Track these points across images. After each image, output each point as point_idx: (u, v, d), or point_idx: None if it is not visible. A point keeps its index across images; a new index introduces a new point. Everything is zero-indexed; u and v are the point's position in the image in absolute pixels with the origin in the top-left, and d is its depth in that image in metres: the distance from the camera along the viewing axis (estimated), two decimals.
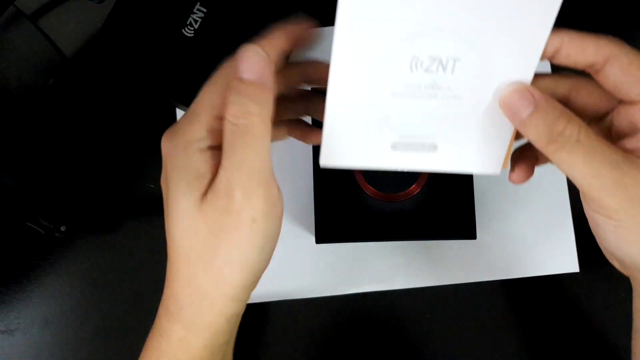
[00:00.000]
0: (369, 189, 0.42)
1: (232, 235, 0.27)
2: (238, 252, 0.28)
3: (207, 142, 0.28)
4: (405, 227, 0.43)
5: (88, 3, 0.50)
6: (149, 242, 0.48)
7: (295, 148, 0.48)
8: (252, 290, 0.31)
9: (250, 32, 0.44)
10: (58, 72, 0.42)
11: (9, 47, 0.41)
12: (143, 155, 0.50)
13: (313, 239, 0.43)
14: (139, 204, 0.49)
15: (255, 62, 0.27)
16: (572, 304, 0.47)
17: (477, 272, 0.47)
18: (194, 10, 0.45)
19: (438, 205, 0.42)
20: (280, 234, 0.29)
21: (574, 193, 0.48)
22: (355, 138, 0.29)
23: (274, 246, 0.30)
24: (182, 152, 0.28)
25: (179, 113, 0.49)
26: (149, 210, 0.49)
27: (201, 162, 0.28)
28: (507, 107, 0.27)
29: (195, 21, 0.44)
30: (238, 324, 0.34)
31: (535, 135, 0.27)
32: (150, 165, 0.50)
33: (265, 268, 0.30)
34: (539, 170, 0.48)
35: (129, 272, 0.48)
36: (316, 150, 0.43)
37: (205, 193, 0.28)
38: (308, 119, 0.35)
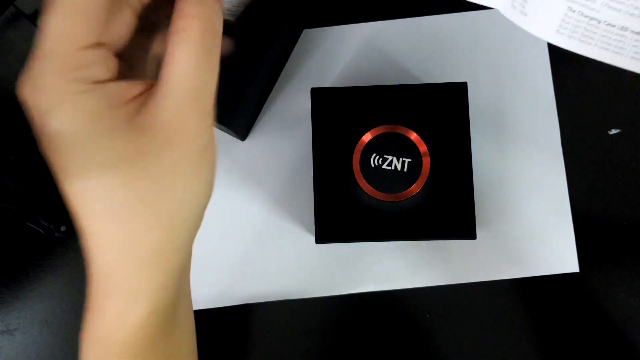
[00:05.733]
0: (369, 189, 0.42)
1: (178, 168, 0.22)
2: (187, 189, 0.23)
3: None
4: (405, 227, 0.43)
5: None
6: None
7: (296, 148, 0.48)
8: (195, 233, 0.25)
9: (250, 32, 0.45)
10: None
11: (9, 47, 0.41)
12: None
13: (313, 239, 0.43)
14: None
15: None
16: (572, 304, 0.47)
17: (477, 272, 0.47)
18: None
19: (438, 205, 0.42)
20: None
21: (574, 193, 0.48)
22: None
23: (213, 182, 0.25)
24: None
25: None
26: None
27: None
28: None
29: None
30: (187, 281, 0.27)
31: None
32: None
33: (206, 204, 0.25)
34: (538, 169, 0.48)
35: None
36: (316, 149, 0.43)
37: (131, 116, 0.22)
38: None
